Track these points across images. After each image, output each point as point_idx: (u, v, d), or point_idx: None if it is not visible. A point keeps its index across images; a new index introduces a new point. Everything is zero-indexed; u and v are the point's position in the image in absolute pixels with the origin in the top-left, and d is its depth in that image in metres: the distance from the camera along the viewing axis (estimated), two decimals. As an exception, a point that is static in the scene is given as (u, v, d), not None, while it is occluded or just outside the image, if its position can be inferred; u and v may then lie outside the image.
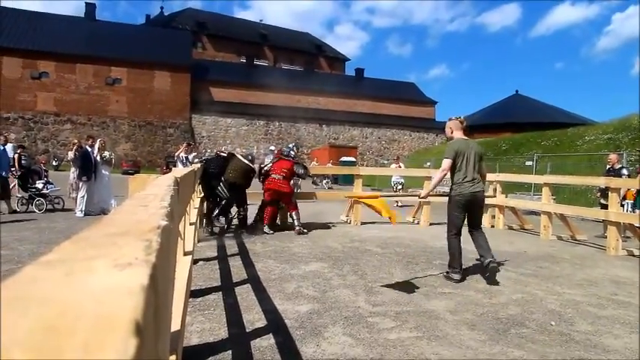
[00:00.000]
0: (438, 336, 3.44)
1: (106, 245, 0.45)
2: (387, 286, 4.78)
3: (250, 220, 8.29)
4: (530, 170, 18.09)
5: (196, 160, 9.11)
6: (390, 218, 4.86)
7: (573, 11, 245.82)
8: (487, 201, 9.95)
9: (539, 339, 3.45)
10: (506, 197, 10.45)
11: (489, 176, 10.77)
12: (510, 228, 9.97)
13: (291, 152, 8.60)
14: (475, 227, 5.28)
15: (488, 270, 5.04)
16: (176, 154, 12.83)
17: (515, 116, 43.52)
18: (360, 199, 6.20)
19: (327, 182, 25.39)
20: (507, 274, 5.56)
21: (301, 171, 8.56)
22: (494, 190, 10.15)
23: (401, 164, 17.30)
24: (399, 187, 15.96)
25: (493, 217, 10.12)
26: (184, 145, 13.04)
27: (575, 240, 8.47)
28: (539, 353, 3.19)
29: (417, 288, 4.74)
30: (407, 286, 4.75)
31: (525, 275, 5.53)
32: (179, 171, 2.87)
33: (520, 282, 5.19)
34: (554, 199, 10.29)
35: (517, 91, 52.92)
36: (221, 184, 7.60)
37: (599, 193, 9.77)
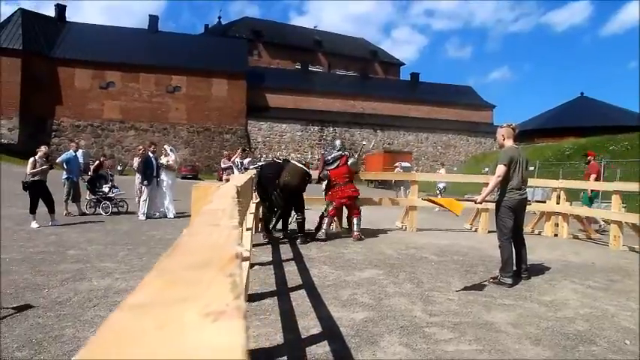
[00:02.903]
0: (500, 350, 3.30)
1: (192, 282, 0.44)
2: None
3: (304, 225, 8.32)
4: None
5: (251, 166, 9.27)
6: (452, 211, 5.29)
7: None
8: (551, 209, 9.62)
9: (613, 359, 3.23)
10: (570, 205, 9.93)
11: (553, 183, 10.33)
12: (575, 237, 9.45)
13: (338, 152, 8.57)
14: (519, 233, 5.54)
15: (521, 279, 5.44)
16: (232, 159, 13.19)
17: (581, 120, 41.31)
18: (433, 201, 6.35)
19: (408, 191, 23.57)
20: (573, 286, 5.27)
21: (354, 160, 8.79)
22: (558, 197, 9.67)
23: (442, 169, 18.11)
24: (440, 191, 16.56)
25: (556, 225, 9.63)
26: (239, 150, 13.46)
27: (650, 252, 7.89)
28: (612, 373, 2.98)
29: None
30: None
31: (594, 288, 5.21)
32: (238, 178, 2.92)
33: (588, 295, 4.89)
34: (624, 207, 9.66)
35: (582, 94, 50.31)
36: (275, 192, 7.65)
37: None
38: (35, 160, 8.72)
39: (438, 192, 16.61)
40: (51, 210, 8.81)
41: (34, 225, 8.30)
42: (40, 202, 8.66)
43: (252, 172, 7.55)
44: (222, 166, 13.92)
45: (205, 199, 1.86)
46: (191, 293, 0.41)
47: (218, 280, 0.45)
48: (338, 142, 9.05)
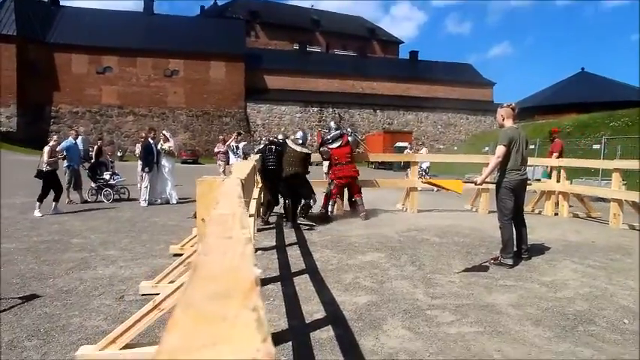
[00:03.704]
0: (501, 332, 3.35)
1: (217, 318, 0.45)
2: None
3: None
4: (597, 154, 17.04)
5: (252, 152, 9.28)
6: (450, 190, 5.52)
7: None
8: (551, 188, 9.64)
9: (611, 338, 3.28)
10: (570, 183, 9.93)
11: (552, 161, 10.31)
12: (576, 216, 9.49)
13: (337, 131, 8.71)
14: (519, 213, 5.56)
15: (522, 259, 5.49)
16: (227, 143, 13.28)
17: (581, 96, 41.00)
18: (431, 183, 6.35)
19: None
20: (574, 266, 5.31)
21: (355, 139, 9.09)
22: (558, 175, 9.67)
23: (424, 149, 18.31)
24: (424, 172, 16.37)
25: (557, 204, 9.66)
26: (234, 134, 13.60)
27: (650, 229, 7.93)
28: (611, 353, 3.02)
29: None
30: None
31: (594, 268, 5.26)
32: (240, 169, 2.92)
33: (588, 275, 4.94)
34: (625, 184, 9.68)
35: (583, 69, 49.85)
36: (281, 185, 7.78)
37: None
38: (51, 148, 8.85)
39: (422, 173, 16.29)
40: (57, 198, 8.86)
41: (37, 214, 8.34)
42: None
43: (254, 159, 7.55)
44: (216, 150, 14.07)
45: (210, 194, 1.86)
46: (219, 334, 0.42)
47: (242, 315, 0.46)
48: (332, 123, 9.22)
